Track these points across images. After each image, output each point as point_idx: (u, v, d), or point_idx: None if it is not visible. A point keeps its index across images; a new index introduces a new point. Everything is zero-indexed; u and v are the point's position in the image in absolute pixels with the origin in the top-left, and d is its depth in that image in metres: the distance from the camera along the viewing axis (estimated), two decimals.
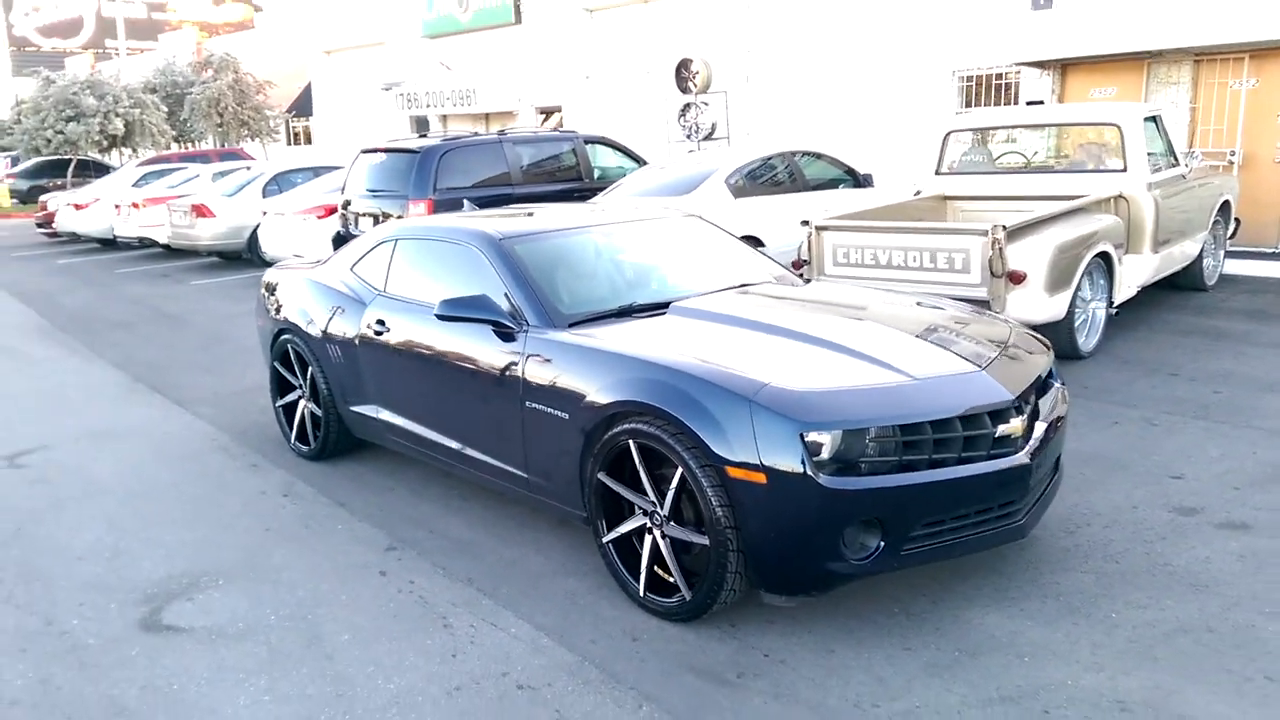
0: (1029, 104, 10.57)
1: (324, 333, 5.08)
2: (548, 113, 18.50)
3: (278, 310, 5.56)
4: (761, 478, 3.11)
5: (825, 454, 3.09)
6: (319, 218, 12.15)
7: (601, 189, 11.07)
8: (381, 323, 4.72)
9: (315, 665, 3.27)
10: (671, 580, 3.47)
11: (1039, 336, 4.17)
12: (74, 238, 18.33)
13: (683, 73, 14.22)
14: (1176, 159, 8.02)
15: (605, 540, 3.66)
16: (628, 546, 3.64)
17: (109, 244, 17.56)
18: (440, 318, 4.08)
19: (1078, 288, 6.48)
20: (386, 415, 4.79)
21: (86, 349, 8.94)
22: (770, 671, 3.14)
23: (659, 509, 3.44)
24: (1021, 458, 3.36)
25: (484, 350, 4.10)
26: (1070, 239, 6.35)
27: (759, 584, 3.29)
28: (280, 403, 5.64)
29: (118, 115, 25.54)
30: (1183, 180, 7.94)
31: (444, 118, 20.46)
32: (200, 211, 13.85)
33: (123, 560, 4.17)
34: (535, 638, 3.41)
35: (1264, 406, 5.56)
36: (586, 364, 3.66)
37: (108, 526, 4.55)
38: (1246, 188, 10.22)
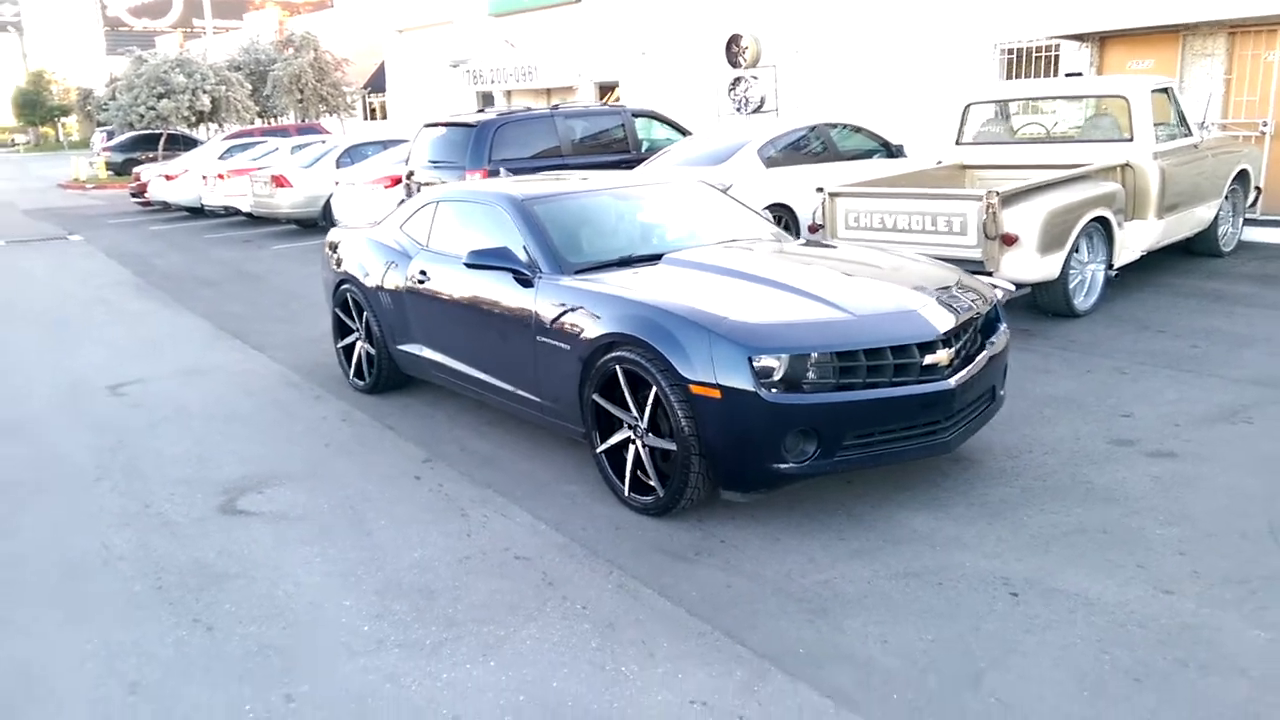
0: (1068, 75, 10.82)
1: (377, 283, 5.85)
2: (606, 88, 19.14)
3: (338, 264, 6.35)
4: (717, 394, 3.76)
5: (772, 375, 3.73)
6: (385, 187, 13.00)
7: (646, 159, 11.73)
8: (424, 273, 5.47)
9: (356, 539, 4.04)
10: (650, 483, 4.16)
11: (984, 286, 4.71)
12: (165, 207, 19.62)
13: (733, 48, 14.72)
14: (1189, 129, 8.34)
15: (598, 450, 4.36)
16: (616, 456, 4.33)
17: (196, 212, 18.79)
18: (468, 266, 4.81)
19: (1074, 250, 6.93)
20: (428, 353, 5.54)
21: (177, 303, 9.93)
22: (722, 552, 3.81)
23: (640, 423, 4.12)
24: (947, 384, 3.95)
25: (505, 294, 4.81)
26: (1063, 205, 6.80)
27: (719, 482, 3.95)
28: (340, 344, 6.45)
29: (205, 92, 26.92)
30: (1194, 150, 8.26)
31: (508, 93, 21.25)
32: (279, 182, 14.87)
33: (206, 464, 5.01)
34: (535, 525, 4.13)
35: (1235, 359, 5.99)
36: (586, 304, 4.34)
37: (194, 441, 5.41)
38: (1277, 158, 10.41)
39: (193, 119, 27.55)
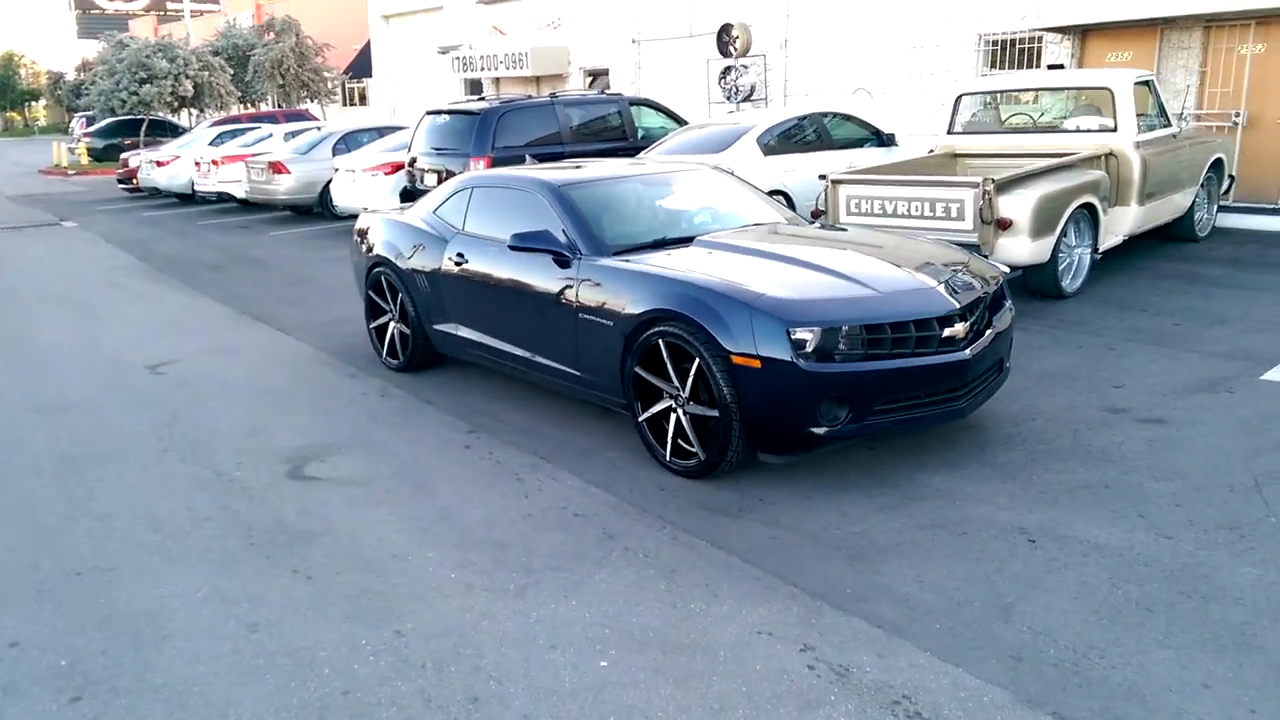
0: (1050, 68, 11.25)
1: (412, 265, 6.16)
2: (595, 75, 19.40)
3: (370, 249, 6.65)
4: (757, 363, 4.13)
5: (807, 346, 4.10)
6: (385, 174, 13.24)
7: (644, 148, 12.05)
8: (461, 255, 5.79)
9: (423, 500, 4.38)
10: (689, 448, 4.52)
11: (994, 266, 5.11)
12: (154, 192, 19.67)
13: (724, 37, 15.05)
14: (1168, 120, 8.79)
15: (640, 419, 4.71)
16: (655, 424, 4.69)
17: (187, 199, 18.89)
18: (512, 248, 5.14)
19: (1062, 234, 7.36)
20: (465, 332, 5.87)
21: (188, 286, 10.16)
22: (761, 509, 4.18)
23: (681, 392, 4.48)
24: (963, 354, 4.35)
25: (545, 275, 5.15)
26: (1053, 191, 7.22)
27: (757, 446, 4.33)
28: (373, 325, 6.75)
29: (187, 77, 26.84)
30: (1173, 139, 8.72)
31: (497, 81, 21.45)
32: (277, 168, 15.04)
33: (262, 436, 5.32)
34: (586, 488, 4.48)
35: (1212, 335, 6.44)
36: (627, 283, 4.69)
37: (245, 414, 5.70)
38: (1250, 147, 10.92)
39: (175, 104, 27.47)
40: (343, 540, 3.99)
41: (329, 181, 14.92)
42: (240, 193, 16.32)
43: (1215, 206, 9.81)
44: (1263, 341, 6.22)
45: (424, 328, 6.23)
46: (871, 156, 10.51)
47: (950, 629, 3.20)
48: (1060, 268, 7.50)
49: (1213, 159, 9.36)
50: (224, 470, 4.82)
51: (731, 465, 4.39)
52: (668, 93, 16.21)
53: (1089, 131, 8.44)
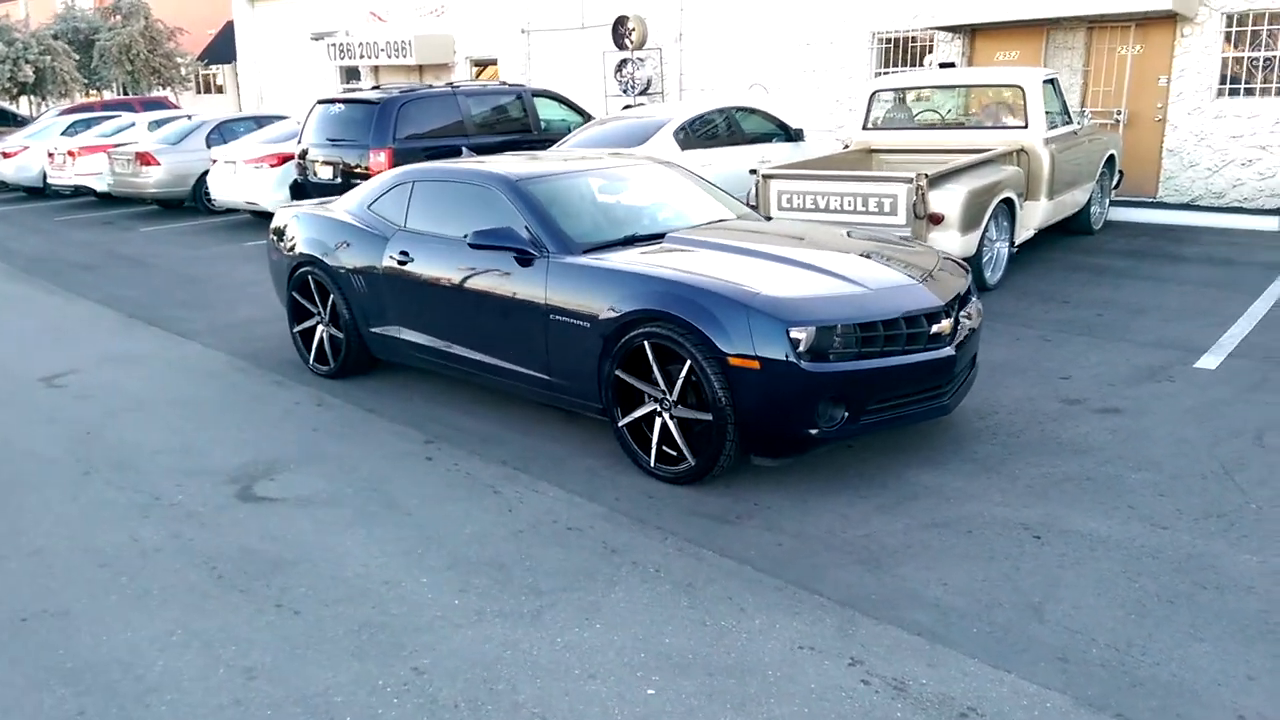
0: (941, 66, 11.56)
1: (345, 264, 5.77)
2: (483, 65, 18.94)
3: (293, 248, 6.20)
4: (756, 364, 4.00)
5: (804, 346, 4.00)
6: (271, 166, 12.54)
7: (548, 141, 11.78)
8: (405, 254, 5.45)
9: (399, 519, 4.07)
10: (674, 454, 4.37)
11: (960, 261, 5.14)
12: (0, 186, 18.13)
13: (619, 29, 14.89)
14: (1070, 117, 9.14)
15: (621, 424, 4.52)
16: (637, 429, 4.51)
17: (37, 192, 17.48)
18: (473, 246, 4.86)
19: (985, 229, 7.53)
20: (410, 335, 5.53)
21: (62, 289, 9.33)
22: (760, 514, 4.06)
23: (668, 396, 4.31)
24: (949, 350, 4.34)
25: (507, 275, 4.88)
26: (980, 186, 7.38)
27: (751, 450, 4.20)
28: (298, 329, 6.31)
29: (28, 62, 24.87)
30: (1075, 136, 9.07)
31: (375, 69, 20.68)
32: (145, 160, 14.04)
33: (195, 453, 4.87)
34: (570, 498, 4.26)
35: (1135, 325, 6.70)
36: (605, 282, 4.49)
37: (168, 429, 5.22)
38: (1130, 144, 11.49)
39: (14, 91, 25.40)
40: (323, 568, 3.66)
41: (204, 174, 14.06)
42: (102, 186, 15.18)
43: (1108, 200, 10.27)
44: (1183, 331, 6.51)
45: (359, 331, 5.85)
46: (781, 151, 10.57)
47: (989, 632, 3.15)
48: (984, 260, 7.68)
49: (1107, 155, 9.80)
50: (162, 493, 4.38)
51: (723, 470, 4.26)
52: (561, 86, 15.93)
53: (1001, 128, 8.68)
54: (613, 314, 4.40)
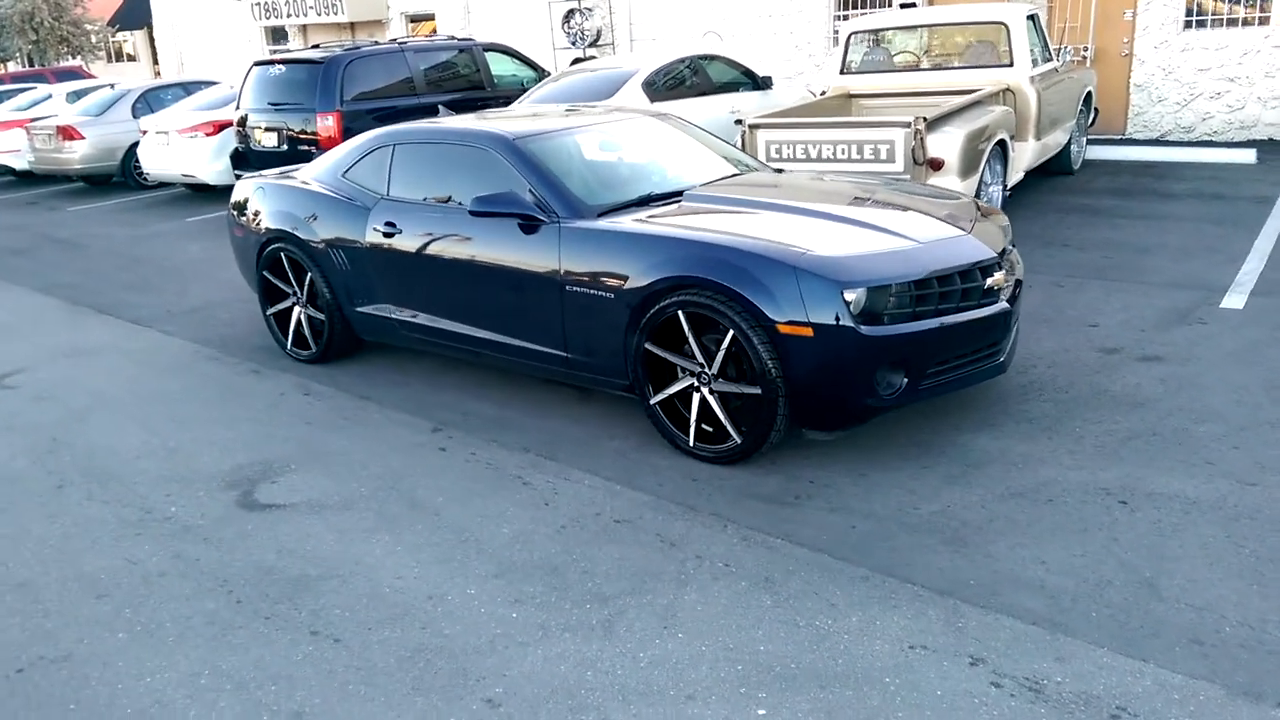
0: (902, 6, 11.25)
1: (324, 238, 5.28)
2: (419, 21, 18.12)
3: (259, 223, 5.68)
4: (809, 331, 3.66)
5: (859, 308, 3.67)
6: (207, 134, 11.81)
7: (504, 97, 11.23)
8: (392, 225, 4.98)
9: (427, 521, 3.67)
10: (712, 431, 4.03)
11: (996, 209, 4.84)
12: None
13: None
14: (1051, 54, 8.89)
15: (653, 402, 4.16)
16: (670, 407, 4.16)
17: None
18: (474, 213, 4.42)
19: (982, 172, 7.26)
20: (402, 313, 5.08)
21: None
22: (820, 493, 3.75)
23: (707, 369, 3.96)
24: (1004, 304, 4.04)
25: (514, 243, 4.46)
26: (977, 128, 7.09)
27: (804, 424, 3.88)
28: (271, 311, 5.80)
29: None
30: (1056, 73, 8.82)
31: (304, 28, 19.69)
32: (68, 134, 13.14)
33: (180, 457, 4.40)
34: (608, 486, 3.90)
35: (1145, 266, 6.50)
36: (628, 247, 4.09)
37: (144, 431, 4.73)
38: (1099, 80, 11.30)
39: None
40: (354, 583, 3.26)
41: (133, 146, 13.22)
42: (21, 164, 14.24)
43: (1085, 139, 10.09)
44: (1196, 270, 6.33)
45: (343, 312, 5.38)
46: (751, 100, 10.19)
47: (1110, 615, 2.88)
48: None
49: (1085, 92, 9.59)
50: (153, 506, 3.91)
51: (772, 446, 3.93)
52: (504, 40, 15.28)
53: (984, 67, 8.39)
54: (640, 283, 4.02)
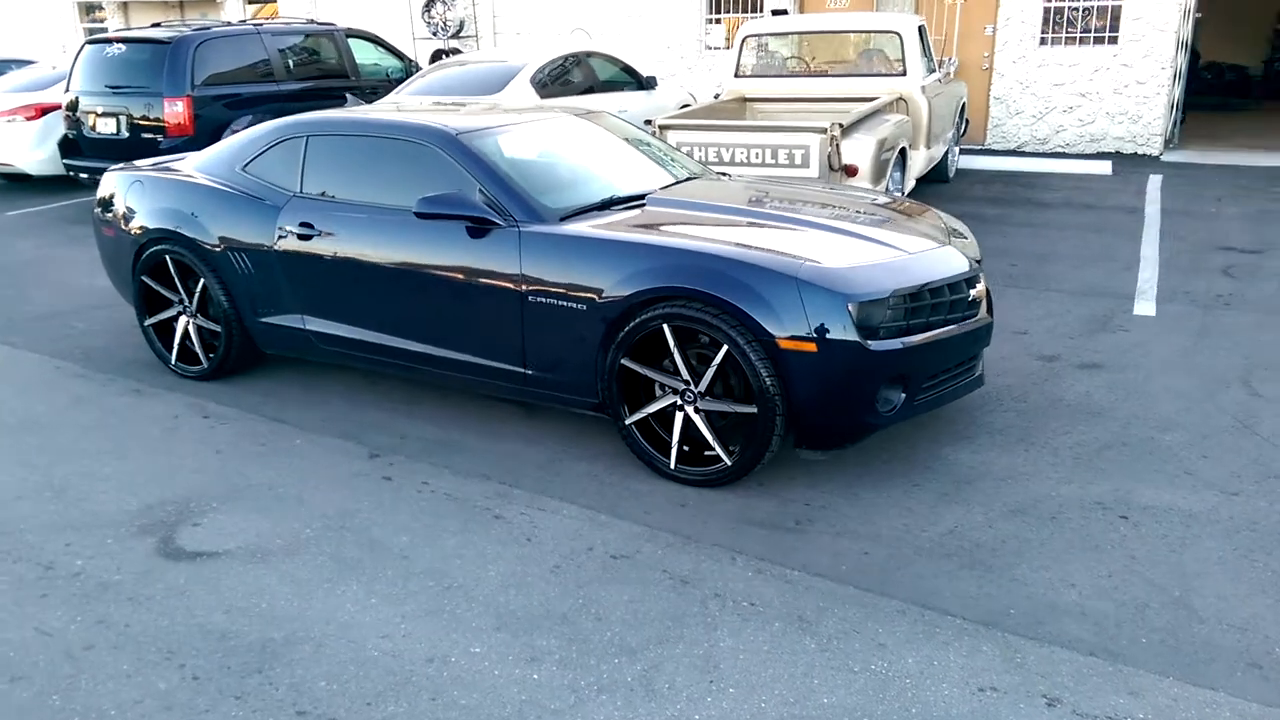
0: (774, 13, 11.30)
1: (223, 238, 4.67)
2: (259, 2, 16.95)
3: (137, 221, 4.99)
4: (812, 347, 3.44)
5: (866, 322, 3.48)
6: (28, 119, 10.58)
7: (369, 87, 10.58)
8: (309, 225, 4.45)
9: (397, 566, 3.22)
10: (689, 451, 3.76)
11: (955, 220, 4.78)
12: None
13: None
14: (934, 65, 9.08)
15: (628, 422, 3.84)
16: (644, 426, 3.85)
17: None
18: (420, 215, 3.97)
19: (888, 180, 7.29)
20: (321, 325, 4.54)
21: None
22: (819, 516, 3.54)
23: (692, 386, 3.68)
24: (986, 316, 3.96)
25: (461, 248, 4.04)
26: (886, 135, 7.11)
27: (800, 443, 3.66)
28: (150, 321, 5.11)
29: None
30: (939, 84, 9.02)
31: (124, 5, 18.06)
32: None
33: (71, 496, 3.74)
34: (591, 516, 3.56)
35: (1050, 274, 6.68)
36: (603, 255, 3.76)
37: (16, 465, 4.02)
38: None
39: None
40: (333, 648, 2.79)
41: None
42: None
43: (958, 149, 10.40)
44: (1098, 277, 6.54)
45: (244, 322, 4.78)
46: (637, 100, 9.98)
47: (1160, 640, 2.79)
48: None
49: (961, 102, 9.87)
50: (53, 559, 3.28)
51: (764, 466, 3.70)
52: (358, 24, 14.45)
53: (878, 75, 8.48)
54: (620, 293, 3.69)
